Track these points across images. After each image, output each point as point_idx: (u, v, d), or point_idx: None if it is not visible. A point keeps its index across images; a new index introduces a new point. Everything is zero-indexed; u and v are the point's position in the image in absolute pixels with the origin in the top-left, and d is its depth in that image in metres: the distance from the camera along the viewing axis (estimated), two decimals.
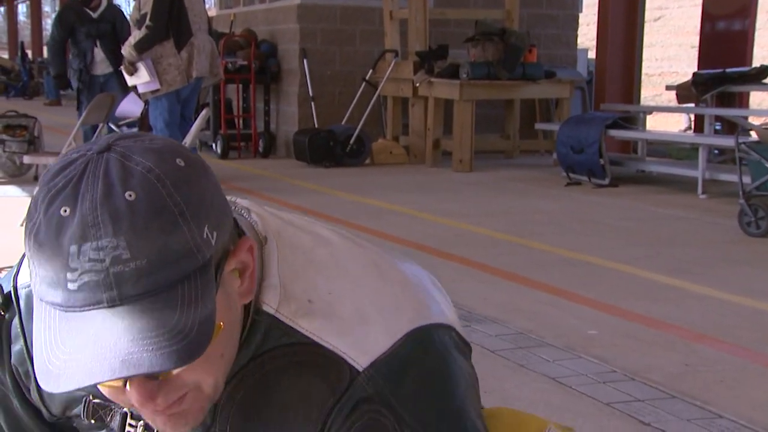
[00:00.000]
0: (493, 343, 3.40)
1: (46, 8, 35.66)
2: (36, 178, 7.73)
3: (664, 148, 9.53)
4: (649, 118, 9.63)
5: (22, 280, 1.00)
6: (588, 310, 3.92)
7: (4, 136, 7.82)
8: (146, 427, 0.95)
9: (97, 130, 7.09)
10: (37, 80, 22.21)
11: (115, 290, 0.75)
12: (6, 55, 30.66)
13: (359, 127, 9.03)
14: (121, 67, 6.60)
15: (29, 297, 0.95)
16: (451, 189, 7.68)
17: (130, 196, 0.75)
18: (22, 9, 39.33)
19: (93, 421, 0.97)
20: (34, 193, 0.81)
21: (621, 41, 9.40)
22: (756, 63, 9.15)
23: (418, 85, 9.14)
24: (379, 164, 9.14)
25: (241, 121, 10.40)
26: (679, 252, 5.14)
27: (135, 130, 7.55)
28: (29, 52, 26.25)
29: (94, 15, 7.74)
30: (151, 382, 0.80)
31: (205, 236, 0.78)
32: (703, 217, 6.30)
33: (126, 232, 0.74)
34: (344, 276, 0.94)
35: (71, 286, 0.75)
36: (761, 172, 5.68)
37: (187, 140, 5.63)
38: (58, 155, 6.05)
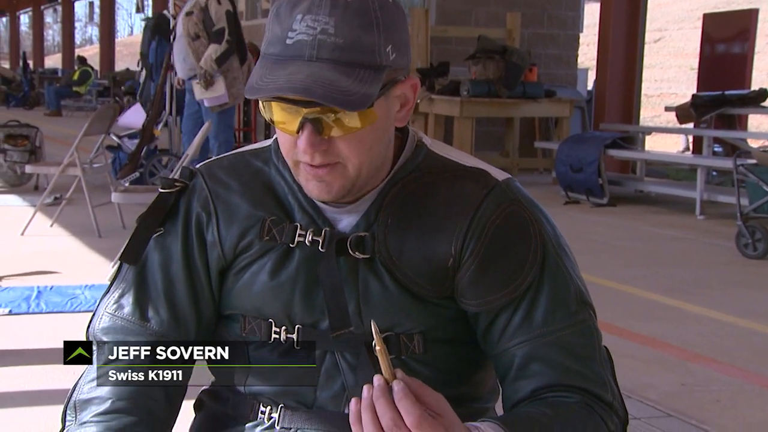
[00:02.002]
0: None
1: (48, 19, 35.78)
2: (36, 188, 7.75)
3: (663, 169, 9.58)
4: (647, 138, 9.67)
5: (202, 164, 1.26)
6: None
7: (6, 146, 7.84)
8: (314, 233, 1.15)
9: (99, 142, 7.11)
10: (38, 90, 22.26)
11: (315, 50, 1.03)
12: (7, 65, 30.75)
13: None
14: (194, 81, 6.72)
15: (211, 171, 1.22)
16: None
17: None
18: (24, 20, 39.45)
19: (267, 238, 1.16)
20: None
21: (621, 62, 9.46)
22: (755, 86, 9.22)
23: (418, 101, 9.18)
24: None
25: (241, 135, 10.43)
26: (676, 272, 5.16)
27: (136, 141, 7.57)
28: (30, 62, 26.33)
29: None
30: (316, 136, 1.05)
31: (387, 50, 1.06)
32: (700, 238, 6.33)
33: (337, 17, 1.03)
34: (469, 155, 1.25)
35: (288, 41, 1.03)
36: (759, 194, 5.71)
37: (189, 152, 5.66)
38: (60, 165, 6.08)
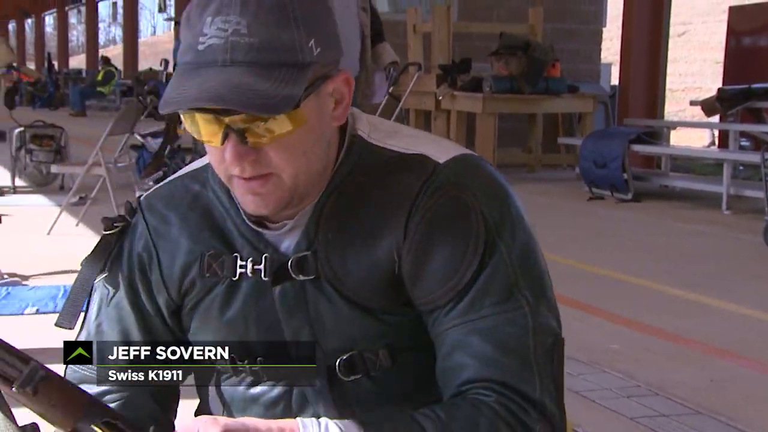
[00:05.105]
0: None
1: (72, 20, 36.08)
2: (62, 188, 7.81)
3: (688, 164, 9.49)
4: (672, 133, 9.58)
5: (144, 196, 1.22)
6: (610, 325, 3.91)
7: (32, 146, 7.92)
8: (255, 262, 1.09)
9: (123, 141, 7.16)
10: (63, 91, 22.46)
11: (228, 54, 0.96)
12: (33, 66, 31.05)
13: None
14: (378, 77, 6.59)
15: (150, 203, 1.18)
16: None
17: None
18: (49, 21, 39.83)
19: (208, 275, 1.11)
20: None
21: (645, 56, 9.38)
22: None
23: (440, 98, 9.16)
24: None
25: None
26: (702, 268, 5.11)
27: (160, 140, 7.61)
28: (56, 63, 26.57)
29: None
30: (242, 146, 0.99)
31: (309, 45, 0.99)
32: (727, 233, 6.26)
33: (249, 16, 0.97)
34: (415, 133, 1.17)
35: (200, 47, 0.97)
36: None
37: None
38: (85, 165, 6.13)
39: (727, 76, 9.71)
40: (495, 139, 8.75)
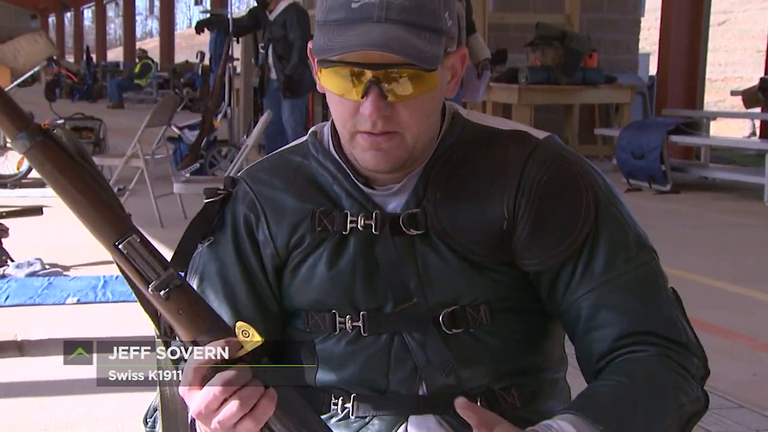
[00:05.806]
0: None
1: (110, 13, 36.47)
2: None
3: (728, 155, 9.34)
4: (711, 124, 9.44)
5: (243, 171, 1.27)
6: None
7: None
8: (366, 217, 1.15)
9: (160, 133, 7.22)
10: (101, 83, 22.71)
11: (384, 11, 1.03)
12: (72, 59, 31.43)
13: None
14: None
15: (252, 173, 1.23)
16: None
17: None
18: (87, 14, 40.29)
19: (319, 229, 1.16)
20: None
21: (684, 45, 9.24)
22: None
23: None
24: None
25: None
26: (744, 260, 5.03)
27: (196, 132, 7.66)
28: (94, 56, 26.86)
29: (270, 17, 7.26)
30: (381, 101, 1.06)
31: (445, 16, 1.07)
32: None
33: None
34: (506, 119, 1.26)
35: (354, 5, 1.04)
36: None
37: (249, 142, 5.71)
38: (123, 157, 6.19)
39: None
40: None
